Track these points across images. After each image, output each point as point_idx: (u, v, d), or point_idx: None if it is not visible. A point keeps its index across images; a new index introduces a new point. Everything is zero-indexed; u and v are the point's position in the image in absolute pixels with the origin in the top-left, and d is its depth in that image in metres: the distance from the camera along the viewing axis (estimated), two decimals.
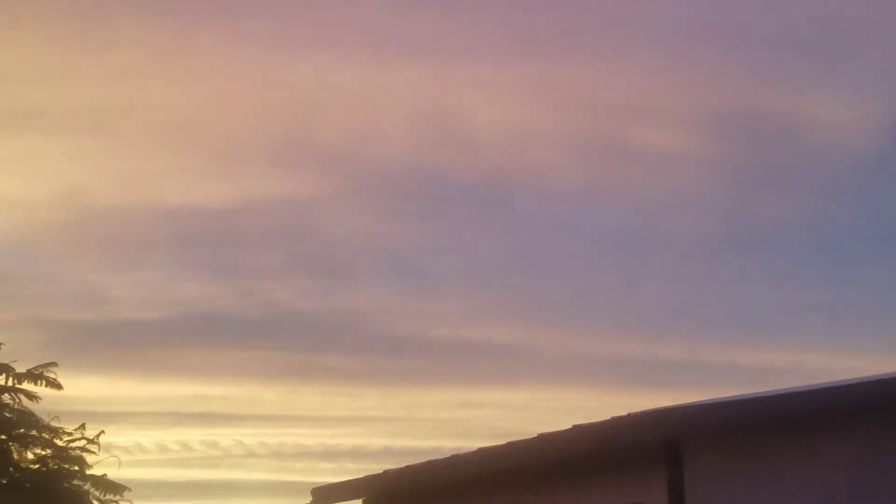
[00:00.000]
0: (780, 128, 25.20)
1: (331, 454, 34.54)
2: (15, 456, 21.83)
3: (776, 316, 28.65)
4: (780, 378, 31.07)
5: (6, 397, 21.71)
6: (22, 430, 21.61)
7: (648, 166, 26.76)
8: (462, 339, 31.12)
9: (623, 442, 10.47)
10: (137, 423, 31.50)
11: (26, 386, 21.64)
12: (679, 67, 24.24)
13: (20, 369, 21.58)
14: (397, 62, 24.38)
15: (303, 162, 27.74)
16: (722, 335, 28.91)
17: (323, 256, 31.13)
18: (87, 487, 21.87)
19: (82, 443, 21.92)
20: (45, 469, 21.74)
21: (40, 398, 21.71)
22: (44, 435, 21.73)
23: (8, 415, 21.52)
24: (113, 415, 28.71)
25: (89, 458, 21.92)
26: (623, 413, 10.44)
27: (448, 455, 13.53)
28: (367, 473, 15.37)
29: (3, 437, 21.58)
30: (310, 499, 16.56)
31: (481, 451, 12.71)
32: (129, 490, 21.88)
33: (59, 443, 21.85)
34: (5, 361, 21.68)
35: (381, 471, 15.06)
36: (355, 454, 33.97)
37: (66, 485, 21.74)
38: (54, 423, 21.80)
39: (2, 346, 21.73)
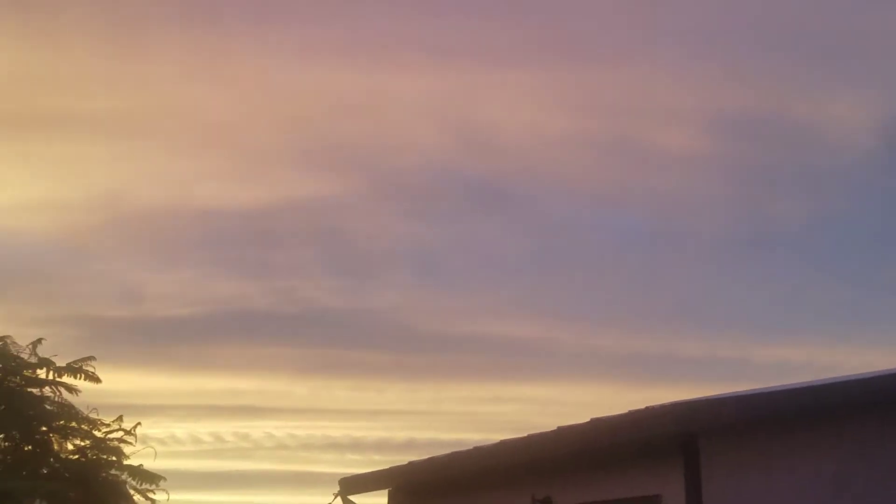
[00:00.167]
0: (797, 129, 25.03)
1: (357, 446, 34.53)
2: (55, 447, 21.83)
3: (790, 313, 28.49)
4: (794, 373, 30.99)
5: (47, 390, 21.72)
6: (62, 422, 21.59)
7: (666, 168, 26.64)
8: (484, 335, 31.05)
9: (641, 435, 10.38)
10: (172, 415, 31.56)
11: (66, 379, 21.63)
12: (696, 71, 24.10)
13: (60, 363, 21.59)
14: (423, 68, 24.35)
15: (332, 165, 27.72)
16: (737, 332, 28.75)
17: (351, 256, 31.11)
18: (124, 477, 21.85)
19: (119, 434, 21.90)
20: (84, 459, 21.71)
21: (80, 391, 21.71)
22: (83, 426, 21.71)
23: (49, 407, 21.51)
24: (149, 407, 28.79)
25: (126, 449, 21.91)
26: (641, 407, 10.36)
27: (470, 447, 13.46)
28: (392, 465, 15.33)
29: (44, 428, 21.57)
30: (337, 489, 16.52)
31: (503, 443, 12.64)
32: (165, 480, 21.85)
33: (97, 434, 21.82)
34: (46, 356, 21.71)
35: (405, 462, 15.01)
36: (381, 446, 33.93)
37: (104, 474, 21.72)
38: (93, 416, 21.79)
39: (42, 341, 21.75)
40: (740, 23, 22.78)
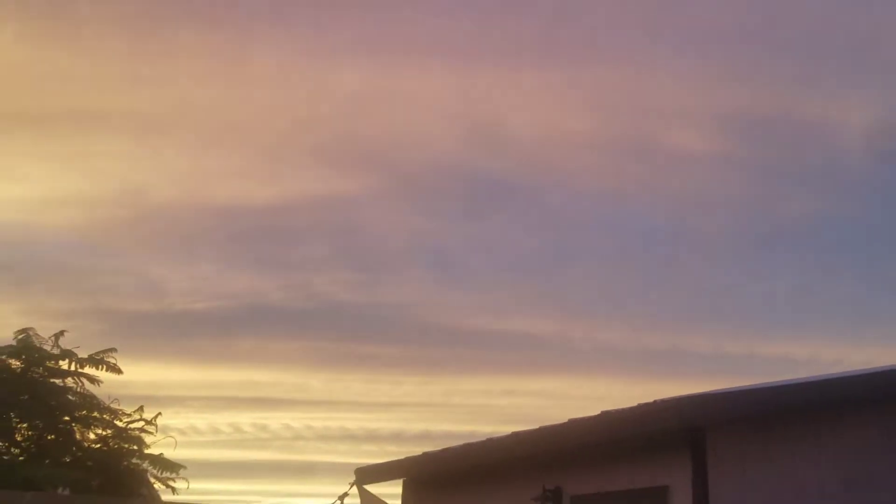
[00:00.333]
0: (806, 129, 25.00)
1: (373, 437, 34.61)
2: (78, 436, 21.94)
3: (796, 309, 28.50)
4: (799, 369, 30.96)
5: (69, 381, 21.84)
6: (84, 412, 21.71)
7: (676, 166, 26.62)
8: (496, 330, 31.09)
9: (649, 428, 10.44)
10: (192, 406, 31.67)
11: (88, 370, 21.76)
12: (708, 70, 24.08)
13: (82, 355, 21.72)
14: (438, 67, 24.36)
15: (347, 162, 27.75)
16: (744, 328, 28.76)
17: (366, 251, 31.15)
18: (145, 466, 21.98)
19: (140, 424, 22.01)
20: (105, 448, 21.83)
21: (101, 381, 21.83)
22: (105, 416, 21.82)
23: (71, 397, 21.63)
24: (169, 399, 28.92)
25: (147, 439, 22.04)
26: (649, 400, 10.43)
27: (483, 439, 13.53)
28: (406, 455, 15.39)
29: (67, 418, 21.68)
30: (353, 478, 16.60)
31: (514, 434, 12.70)
32: (185, 468, 21.97)
33: (118, 424, 21.93)
34: (68, 348, 21.83)
35: (420, 453, 15.08)
36: (396, 437, 34.00)
37: (125, 463, 21.83)
38: (114, 406, 21.92)
39: (65, 333, 21.87)
40: (750, 22, 22.77)
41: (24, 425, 21.57)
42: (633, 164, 26.84)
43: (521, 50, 24.18)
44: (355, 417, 34.90)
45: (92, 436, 22.21)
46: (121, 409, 22.09)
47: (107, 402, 21.96)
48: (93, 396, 21.90)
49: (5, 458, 20.77)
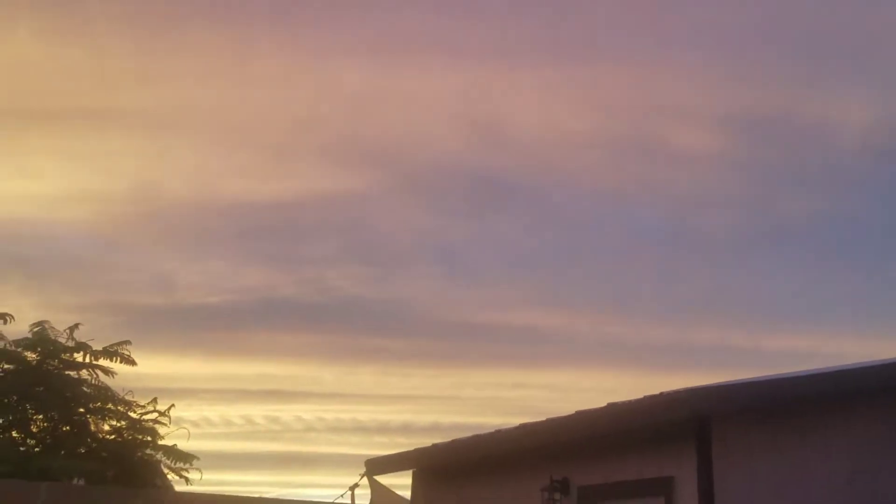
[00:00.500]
0: (809, 128, 24.98)
1: (383, 429, 34.64)
2: (92, 427, 21.99)
3: (799, 304, 28.50)
4: (802, 362, 31.00)
5: (84, 373, 21.88)
6: (99, 404, 21.76)
7: (680, 165, 26.61)
8: (504, 324, 31.09)
9: (655, 419, 10.47)
10: (205, 398, 31.68)
11: (102, 362, 21.80)
12: (710, 68, 24.04)
13: (97, 347, 21.77)
14: (443, 66, 24.35)
15: (356, 160, 27.75)
16: (749, 322, 28.74)
17: (375, 247, 31.15)
18: (158, 456, 22.01)
19: (154, 415, 22.05)
20: (119, 439, 21.86)
21: (116, 373, 21.87)
22: (119, 408, 21.86)
23: (86, 389, 21.68)
24: (182, 391, 28.90)
25: (161, 430, 22.08)
26: (655, 392, 10.44)
27: (492, 430, 13.55)
28: (416, 447, 15.41)
29: (82, 410, 21.73)
30: (364, 469, 16.64)
31: (523, 426, 12.72)
32: (198, 459, 21.99)
33: (132, 415, 21.97)
34: (83, 340, 21.87)
35: (429, 444, 15.10)
36: (406, 429, 34.01)
37: (139, 454, 21.87)
38: (128, 398, 21.96)
39: (80, 326, 21.92)
40: (751, 22, 22.74)
41: (40, 417, 21.63)
42: (635, 162, 26.83)
43: (523, 49, 24.18)
44: (366, 410, 34.98)
45: (106, 427, 22.26)
46: (135, 401, 22.14)
47: (121, 394, 22.02)
48: (107, 388, 21.95)
49: (21, 449, 20.82)
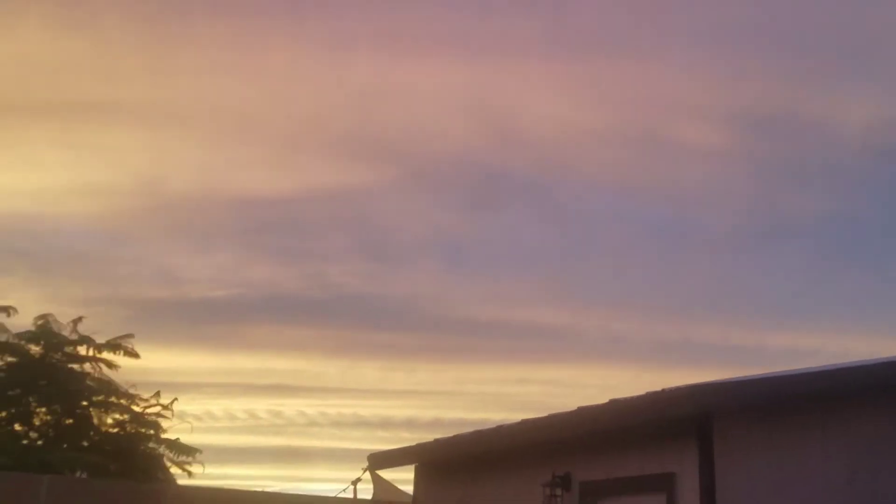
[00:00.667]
0: (812, 125, 24.97)
1: (386, 424, 34.70)
2: (95, 421, 22.07)
3: (802, 301, 28.50)
4: (805, 359, 30.95)
5: (88, 366, 21.94)
6: (102, 397, 21.83)
7: (686, 160, 26.61)
8: (509, 320, 31.12)
9: (657, 415, 10.45)
10: (208, 392, 31.72)
11: (106, 355, 21.88)
12: (716, 65, 24.03)
13: (100, 340, 21.82)
14: (452, 60, 24.33)
15: (363, 154, 27.75)
16: (751, 318, 28.74)
17: (380, 242, 31.18)
18: (161, 450, 22.10)
19: (157, 409, 22.16)
20: (123, 433, 21.96)
21: (119, 367, 21.98)
22: (122, 401, 21.95)
23: (90, 383, 21.75)
24: (186, 385, 28.96)
25: (164, 424, 22.16)
26: (658, 389, 10.43)
27: (494, 426, 13.55)
28: (419, 442, 15.41)
29: (85, 403, 21.80)
30: (366, 464, 16.65)
31: (525, 422, 12.71)
32: (201, 452, 22.08)
33: (135, 409, 22.06)
34: (87, 334, 21.93)
35: (432, 439, 15.10)
36: (408, 424, 34.08)
37: (142, 447, 21.95)
38: (132, 391, 22.02)
39: (83, 319, 21.99)
40: (758, 19, 22.72)
41: (43, 410, 21.71)
42: (641, 159, 26.82)
43: (532, 44, 24.16)
44: (369, 404, 35.01)
45: (109, 420, 22.35)
46: (138, 395, 22.21)
47: (124, 388, 22.08)
48: (110, 382, 22.03)
49: (24, 442, 20.88)
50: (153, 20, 22.86)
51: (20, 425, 21.31)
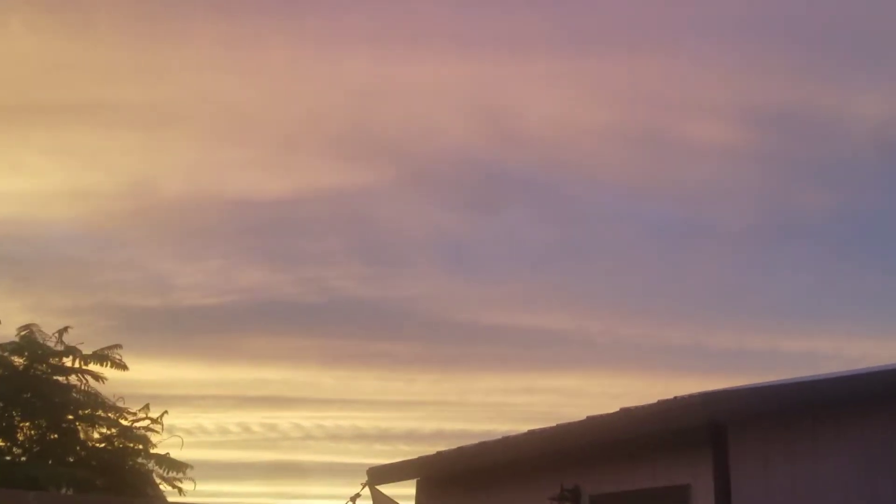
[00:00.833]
0: (825, 121, 24.99)
1: (385, 436, 34.65)
2: (81, 435, 22.01)
3: (819, 304, 28.47)
4: (823, 364, 30.97)
5: (74, 378, 21.90)
6: (89, 411, 21.77)
7: (695, 158, 26.63)
8: (513, 325, 31.10)
9: (670, 425, 10.44)
10: (199, 405, 31.67)
11: (93, 367, 21.82)
12: (725, 61, 24.05)
13: (87, 351, 21.77)
14: (452, 58, 24.36)
15: (361, 154, 27.77)
16: (766, 322, 28.71)
17: (380, 245, 31.18)
18: (150, 466, 22.04)
19: (146, 423, 22.09)
20: (110, 448, 21.90)
21: (106, 379, 21.90)
22: (109, 415, 21.88)
23: (76, 395, 21.70)
24: (176, 397, 28.92)
25: (153, 438, 22.09)
26: (670, 397, 10.41)
27: (499, 437, 13.52)
28: (420, 455, 15.40)
29: (71, 416, 21.75)
30: (365, 479, 16.61)
31: (531, 433, 12.71)
32: (191, 468, 22.01)
33: (123, 423, 22.00)
34: (73, 344, 21.88)
35: (433, 452, 15.08)
36: (409, 437, 34.02)
37: (130, 463, 21.90)
38: (119, 404, 21.96)
39: (69, 330, 21.93)
40: (769, 15, 22.74)
41: (27, 424, 21.65)
42: (649, 156, 26.85)
43: (535, 39, 24.20)
44: (368, 416, 34.96)
45: (96, 435, 22.28)
46: (126, 408, 22.15)
47: (112, 401, 22.02)
48: (97, 394, 21.97)
49: (7, 458, 20.83)
50: (145, 18, 22.90)
51: (3, 440, 21.26)
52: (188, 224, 29.65)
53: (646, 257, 29.67)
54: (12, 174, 26.25)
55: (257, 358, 31.40)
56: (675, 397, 10.30)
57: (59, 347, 21.79)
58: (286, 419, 34.77)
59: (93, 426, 22.19)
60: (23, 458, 20.96)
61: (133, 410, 22.21)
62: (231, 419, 33.78)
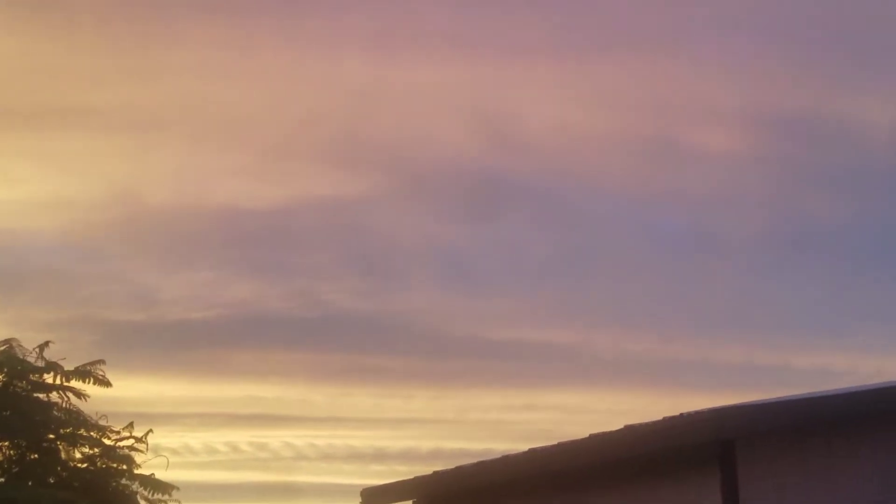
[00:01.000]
0: (834, 129, 25.10)
1: (381, 456, 34.62)
2: (63, 455, 21.98)
3: (831, 317, 28.50)
4: (835, 380, 30.94)
5: (55, 395, 21.88)
6: (70, 429, 21.74)
7: (701, 166, 26.71)
8: (513, 340, 31.13)
9: (676, 442, 10.45)
10: (186, 423, 31.69)
11: (75, 383, 21.77)
12: (732, 67, 24.15)
13: (69, 367, 21.76)
14: (450, 63, 24.46)
15: (355, 162, 27.85)
16: (777, 337, 28.75)
17: (374, 257, 31.24)
18: (134, 487, 21.99)
19: (130, 442, 22.04)
20: (93, 468, 21.86)
21: (89, 396, 21.85)
22: (92, 434, 21.84)
23: (56, 413, 21.68)
24: (162, 415, 28.90)
25: (137, 458, 22.05)
26: (676, 414, 10.43)
27: (499, 456, 13.53)
28: (417, 475, 15.40)
29: (52, 435, 21.72)
30: (359, 500, 16.61)
31: (532, 451, 12.72)
32: (178, 490, 21.96)
33: (107, 442, 21.96)
34: (54, 360, 21.87)
35: (431, 472, 15.08)
36: (405, 456, 34.01)
37: (113, 484, 21.86)
38: (102, 423, 21.93)
39: (50, 345, 21.90)
40: (778, 20, 22.84)
41: (6, 443, 21.61)
42: (654, 163, 26.92)
43: (535, 43, 24.30)
44: (362, 435, 34.97)
45: (78, 455, 22.23)
46: (109, 426, 22.10)
47: (94, 419, 21.98)
48: (79, 412, 21.92)
49: None
50: (133, 19, 22.96)
51: None
52: (175, 234, 29.71)
53: (651, 268, 29.74)
54: None
55: (247, 374, 31.43)
56: (682, 414, 10.32)
57: (40, 363, 21.76)
58: (277, 438, 34.78)
59: (75, 446, 22.14)
60: (1, 479, 20.93)
61: (116, 429, 22.17)
62: (219, 438, 33.79)
